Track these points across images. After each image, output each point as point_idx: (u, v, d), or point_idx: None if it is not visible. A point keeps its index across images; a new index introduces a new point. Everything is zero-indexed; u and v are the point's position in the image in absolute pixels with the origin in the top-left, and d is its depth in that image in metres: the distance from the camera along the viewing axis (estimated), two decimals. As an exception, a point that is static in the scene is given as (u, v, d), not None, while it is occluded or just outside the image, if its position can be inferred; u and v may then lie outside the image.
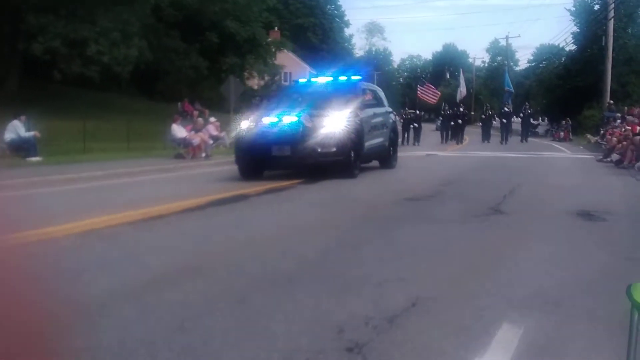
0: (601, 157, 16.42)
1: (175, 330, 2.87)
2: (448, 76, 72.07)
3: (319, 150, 10.25)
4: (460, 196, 8.49)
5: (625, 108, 22.97)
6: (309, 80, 14.18)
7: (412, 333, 2.83)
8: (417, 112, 32.54)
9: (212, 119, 18.69)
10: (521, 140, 30.11)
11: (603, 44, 30.59)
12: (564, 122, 36.61)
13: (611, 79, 30.52)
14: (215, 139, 17.67)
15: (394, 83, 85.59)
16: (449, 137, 30.38)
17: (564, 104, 39.75)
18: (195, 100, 25.32)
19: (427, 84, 44.08)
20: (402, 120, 28.24)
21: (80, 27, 22.47)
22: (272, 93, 28.44)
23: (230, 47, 36.18)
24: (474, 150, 21.97)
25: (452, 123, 30.62)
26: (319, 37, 63.95)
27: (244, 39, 36.31)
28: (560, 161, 17.48)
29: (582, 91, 36.89)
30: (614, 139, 16.39)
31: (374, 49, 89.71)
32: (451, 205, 7.45)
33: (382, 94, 14.10)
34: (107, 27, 23.01)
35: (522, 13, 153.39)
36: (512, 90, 40.39)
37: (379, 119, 12.64)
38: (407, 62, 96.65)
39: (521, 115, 32.87)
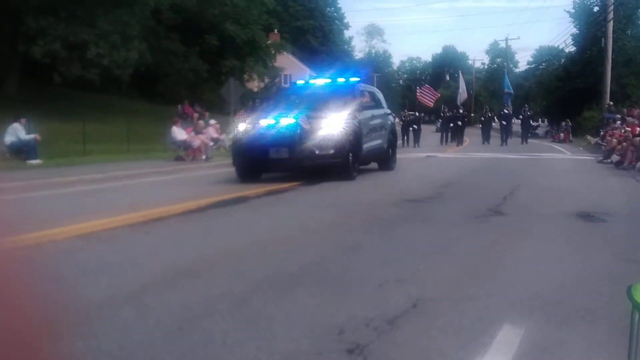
0: (601, 158, 16.42)
1: (175, 332, 2.87)
2: (448, 78, 72.16)
3: (317, 152, 10.20)
4: (460, 197, 8.50)
5: (625, 109, 22.98)
6: (306, 82, 14.15)
7: (413, 334, 2.83)
8: (417, 113, 32.55)
9: (212, 122, 18.72)
10: (521, 142, 30.12)
11: (602, 45, 30.61)
12: (563, 123, 36.58)
13: (611, 81, 30.54)
14: (216, 141, 17.69)
15: (394, 85, 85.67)
16: (449, 138, 30.41)
17: (564, 106, 39.74)
18: (196, 103, 25.30)
19: (426, 85, 44.08)
20: (401, 122, 28.26)
21: (80, 30, 22.43)
22: (270, 95, 28.46)
23: (230, 50, 36.19)
24: (474, 152, 21.95)
25: (452, 125, 30.64)
26: (318, 40, 63.93)
27: (244, 42, 36.34)
28: (560, 162, 17.46)
29: (581, 93, 36.89)
30: (614, 140, 16.40)
31: (373, 51, 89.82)
32: (451, 207, 7.45)
33: (380, 96, 14.05)
34: (107, 29, 22.99)
35: (521, 15, 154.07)
36: (512, 91, 40.46)
37: (377, 121, 12.58)
38: (407, 64, 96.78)
39: (521, 116, 32.93)
